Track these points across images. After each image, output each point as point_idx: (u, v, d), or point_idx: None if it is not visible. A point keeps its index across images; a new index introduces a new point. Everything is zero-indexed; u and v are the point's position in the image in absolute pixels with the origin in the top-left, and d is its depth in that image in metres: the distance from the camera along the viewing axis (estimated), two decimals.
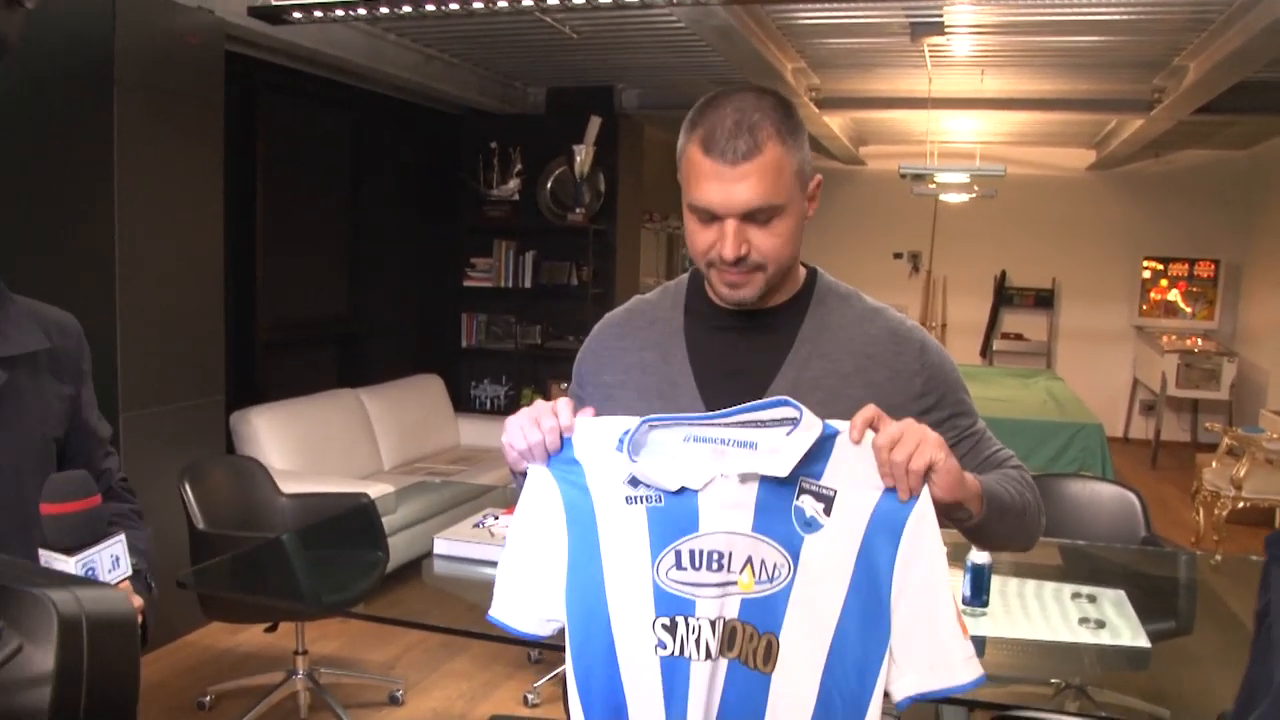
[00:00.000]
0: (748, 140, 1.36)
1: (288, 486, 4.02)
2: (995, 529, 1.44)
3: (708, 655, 1.28)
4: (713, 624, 1.28)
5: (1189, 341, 9.21)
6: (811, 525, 1.28)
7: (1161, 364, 8.96)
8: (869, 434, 1.27)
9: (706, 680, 1.28)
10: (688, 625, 1.29)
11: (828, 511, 1.27)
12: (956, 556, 2.57)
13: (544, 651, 4.22)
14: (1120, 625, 2.49)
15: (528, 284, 7.29)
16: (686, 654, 1.29)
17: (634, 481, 1.31)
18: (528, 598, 1.35)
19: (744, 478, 1.28)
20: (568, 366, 1.50)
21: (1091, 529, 3.41)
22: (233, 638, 4.42)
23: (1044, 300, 10.34)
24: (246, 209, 5.44)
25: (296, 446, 5.04)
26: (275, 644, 4.21)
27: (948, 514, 1.35)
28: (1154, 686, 2.32)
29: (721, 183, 1.38)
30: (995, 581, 2.65)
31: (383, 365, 6.66)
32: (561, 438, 1.35)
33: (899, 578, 1.25)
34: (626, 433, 1.31)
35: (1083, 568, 3.09)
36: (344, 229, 6.51)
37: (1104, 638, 2.41)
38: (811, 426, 1.27)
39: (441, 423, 6.48)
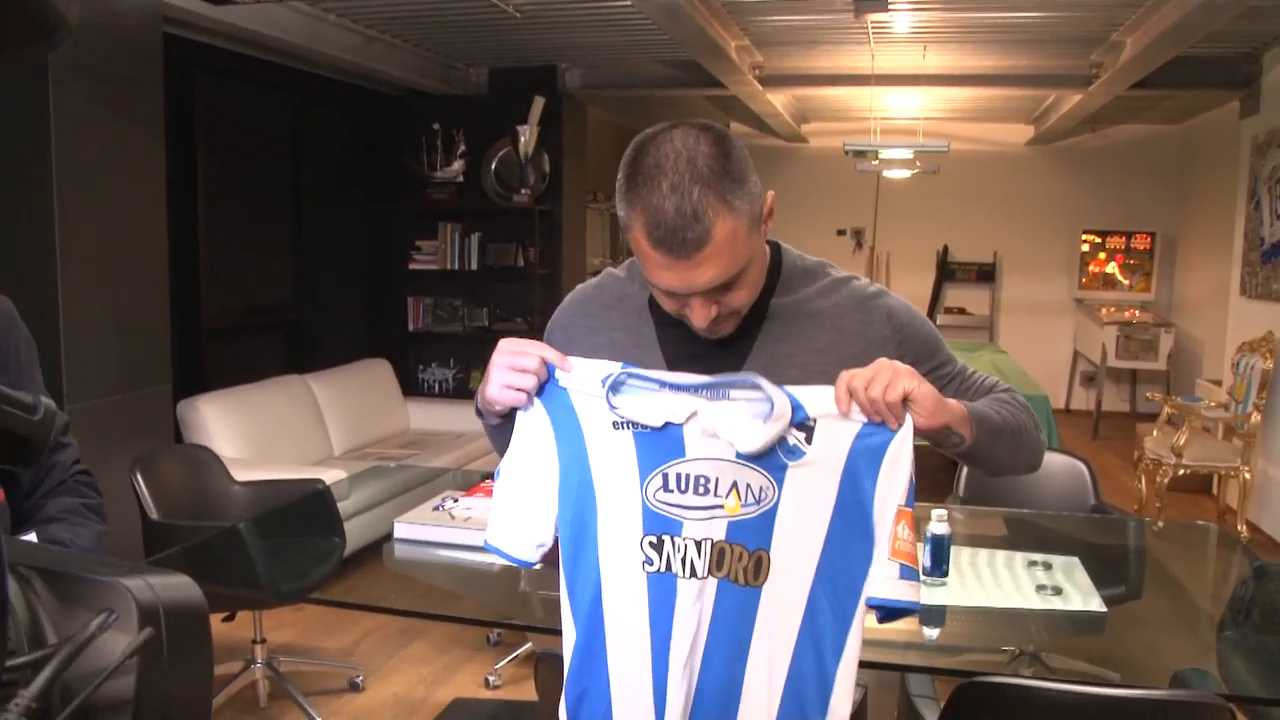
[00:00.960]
0: (695, 229, 1.30)
1: (239, 475, 3.98)
2: (992, 450, 1.48)
3: (693, 574, 1.34)
4: (698, 544, 1.34)
5: (1127, 313, 9.40)
6: (794, 453, 1.34)
7: (1101, 335, 9.16)
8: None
9: (693, 598, 1.34)
10: (673, 544, 1.35)
11: (809, 440, 1.33)
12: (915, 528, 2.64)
13: (503, 633, 4.25)
14: (1076, 591, 2.55)
15: (474, 266, 7.26)
16: (673, 570, 1.35)
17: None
18: (520, 523, 1.42)
19: (720, 431, 1.33)
20: None
21: (1043, 498, 3.49)
22: None
23: (986, 274, 10.48)
24: (188, 195, 5.37)
25: (246, 434, 5.00)
26: (232, 634, 4.19)
27: (940, 441, 1.41)
28: (1105, 650, 2.39)
29: (677, 273, 1.35)
30: (954, 551, 2.70)
31: (329, 350, 6.61)
32: (548, 368, 1.41)
33: (879, 499, 1.33)
34: (608, 376, 1.38)
35: (1037, 536, 3.16)
36: (286, 214, 6.44)
37: (1061, 604, 2.47)
38: (781, 414, 1.32)
39: (391, 407, 6.45)
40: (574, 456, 1.39)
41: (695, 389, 1.35)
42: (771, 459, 1.33)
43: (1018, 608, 2.47)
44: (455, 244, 7.27)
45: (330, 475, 4.49)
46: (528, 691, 3.76)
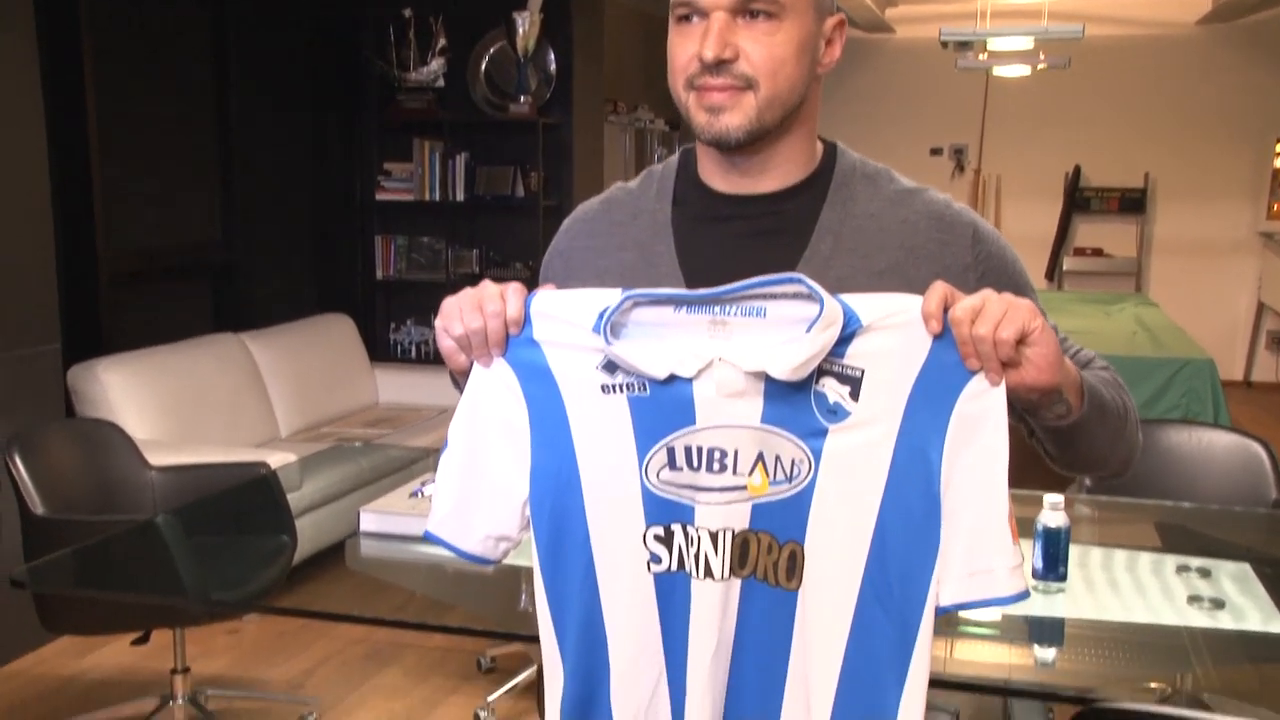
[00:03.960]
0: None
1: (156, 458, 4.03)
2: (1095, 433, 1.48)
3: (708, 574, 1.34)
4: (714, 536, 1.34)
5: None
6: (836, 413, 1.32)
7: None
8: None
9: (714, 604, 1.34)
10: (686, 535, 1.35)
11: (854, 395, 1.31)
12: (1023, 523, 2.61)
13: (498, 657, 4.26)
14: (1245, 605, 2.51)
15: (459, 196, 7.23)
16: (686, 569, 1.35)
17: (610, 367, 1.36)
18: (475, 510, 1.43)
19: (747, 358, 1.31)
20: None
21: (1202, 488, 3.46)
22: (85, 658, 4.42)
23: (1132, 203, 10.35)
24: (73, 104, 5.32)
25: (162, 408, 5.03)
26: (144, 664, 4.22)
27: (1039, 408, 1.41)
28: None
29: None
30: (1074, 551, 2.66)
31: (273, 304, 6.64)
32: (524, 314, 1.39)
33: (948, 464, 1.30)
34: (606, 310, 1.34)
35: (1191, 536, 3.13)
36: (210, 126, 6.41)
37: (1223, 621, 2.43)
38: (832, 320, 1.29)
39: (353, 375, 6.49)
40: (551, 434, 1.39)
41: (718, 299, 1.33)
42: (806, 420, 1.32)
43: (1162, 624, 2.44)
44: (435, 168, 7.23)
45: (276, 459, 4.54)
46: None
